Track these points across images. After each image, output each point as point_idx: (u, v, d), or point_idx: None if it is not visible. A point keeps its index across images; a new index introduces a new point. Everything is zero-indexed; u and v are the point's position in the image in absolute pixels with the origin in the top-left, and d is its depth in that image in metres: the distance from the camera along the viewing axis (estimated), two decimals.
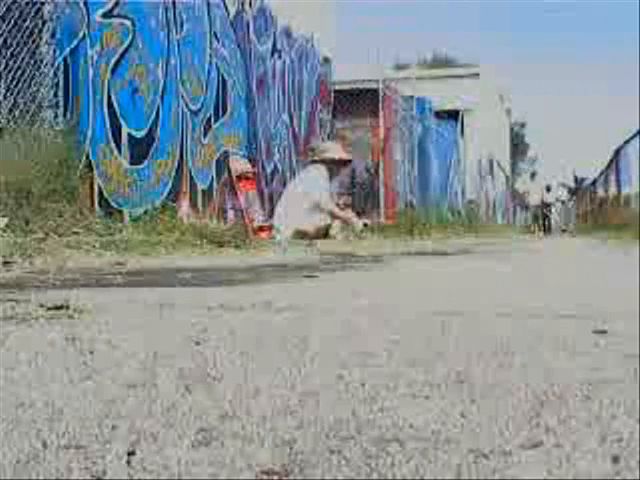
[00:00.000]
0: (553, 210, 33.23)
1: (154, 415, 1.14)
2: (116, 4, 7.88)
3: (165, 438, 1.02)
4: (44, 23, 7.08)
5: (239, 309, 2.46)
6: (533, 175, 33.79)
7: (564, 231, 33.05)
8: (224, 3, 10.51)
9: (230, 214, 10.30)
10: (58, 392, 1.29)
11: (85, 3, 7.43)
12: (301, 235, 9.92)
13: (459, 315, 2.33)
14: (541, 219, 31.74)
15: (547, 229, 30.77)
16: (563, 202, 37.26)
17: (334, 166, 10.90)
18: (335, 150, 11.18)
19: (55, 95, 7.21)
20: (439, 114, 22.22)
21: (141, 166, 8.32)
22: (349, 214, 11.12)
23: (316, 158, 10.82)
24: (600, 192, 25.93)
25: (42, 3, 7.05)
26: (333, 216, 10.57)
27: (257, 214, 10.67)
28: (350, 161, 11.78)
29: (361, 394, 1.27)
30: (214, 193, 10.01)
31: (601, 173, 25.85)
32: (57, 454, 0.96)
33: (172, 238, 6.91)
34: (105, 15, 7.74)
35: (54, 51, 7.20)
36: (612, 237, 13.89)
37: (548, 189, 32.99)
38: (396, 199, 18.10)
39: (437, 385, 1.33)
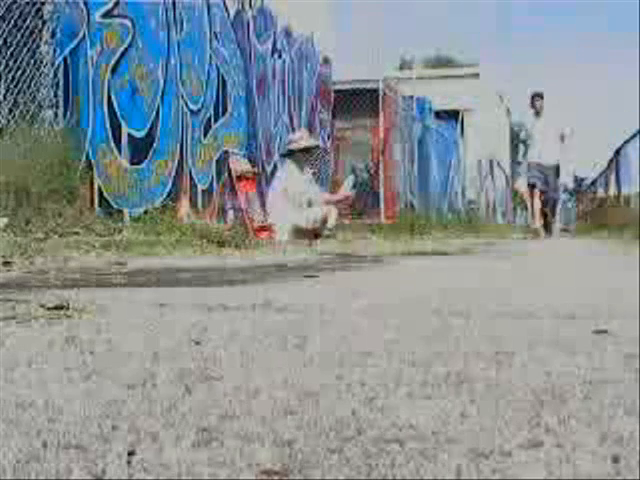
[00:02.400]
0: (558, 208, 31.50)
1: (154, 415, 1.14)
2: (116, 4, 7.88)
3: (165, 438, 1.02)
4: (44, 23, 7.08)
5: (239, 309, 2.46)
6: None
7: (564, 231, 32.77)
8: (224, 3, 10.51)
9: (230, 214, 10.30)
10: (58, 392, 1.29)
11: (85, 3, 7.43)
12: (300, 231, 9.92)
13: (459, 315, 2.32)
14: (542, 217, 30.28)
15: (548, 228, 29.94)
16: (564, 202, 36.46)
17: (306, 154, 10.92)
18: (304, 138, 11.23)
19: (55, 95, 7.21)
20: (439, 114, 22.21)
21: (141, 166, 8.32)
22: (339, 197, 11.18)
23: (292, 148, 10.87)
24: (600, 192, 25.90)
25: (42, 3, 7.05)
26: (328, 203, 10.59)
27: (257, 214, 10.68)
28: (318, 146, 12.01)
29: (361, 394, 1.27)
30: (214, 193, 10.01)
31: (601, 173, 25.83)
32: (57, 454, 0.96)
33: (172, 238, 6.91)
34: (105, 15, 7.74)
35: (54, 51, 7.20)
36: (612, 237, 13.89)
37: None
38: (396, 199, 18.10)
39: (437, 385, 1.33)
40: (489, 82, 30.47)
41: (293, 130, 12.77)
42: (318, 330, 2.00)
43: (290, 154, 10.72)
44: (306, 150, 10.85)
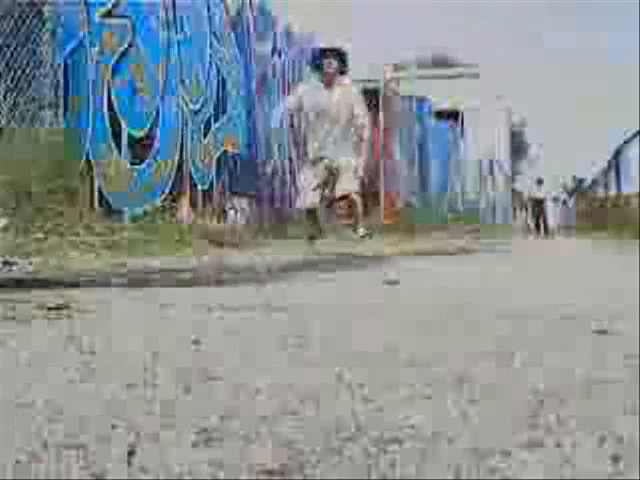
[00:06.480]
0: (549, 207, 31.55)
1: (154, 415, 1.14)
2: (116, 4, 7.88)
3: (165, 438, 1.02)
4: (44, 23, 7.07)
5: (239, 309, 2.46)
6: (540, 182, 31.53)
7: (565, 228, 32.67)
8: (224, 3, 10.51)
9: (230, 214, 10.29)
10: (58, 392, 1.29)
11: (85, 3, 7.44)
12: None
13: (459, 315, 2.32)
14: (534, 217, 30.65)
15: (544, 229, 30.02)
16: (564, 202, 36.64)
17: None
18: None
19: (55, 95, 7.21)
20: (439, 114, 22.23)
21: (141, 166, 8.32)
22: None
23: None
24: (600, 192, 25.92)
25: (42, 3, 7.05)
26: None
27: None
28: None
29: (361, 394, 1.27)
30: (214, 193, 10.01)
31: (601, 173, 25.85)
32: (57, 454, 0.96)
33: (172, 238, 6.91)
34: (105, 15, 7.74)
35: (54, 51, 7.20)
36: (612, 237, 13.89)
37: (539, 182, 31.28)
38: (396, 199, 18.09)
39: (437, 385, 1.33)
40: (489, 82, 30.49)
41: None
42: (318, 330, 2.00)
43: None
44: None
